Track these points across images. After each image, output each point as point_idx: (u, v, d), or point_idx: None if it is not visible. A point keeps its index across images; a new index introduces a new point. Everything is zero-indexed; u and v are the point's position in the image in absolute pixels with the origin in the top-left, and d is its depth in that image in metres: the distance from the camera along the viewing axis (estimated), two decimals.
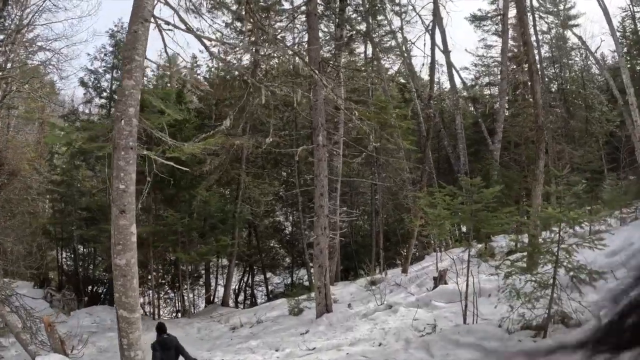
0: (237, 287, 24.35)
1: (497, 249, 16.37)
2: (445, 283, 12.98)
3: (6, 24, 19.76)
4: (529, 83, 16.51)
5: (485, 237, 16.38)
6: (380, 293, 13.66)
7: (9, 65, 21.14)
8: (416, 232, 18.75)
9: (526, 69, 25.24)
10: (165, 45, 7.90)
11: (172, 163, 8.95)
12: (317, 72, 9.90)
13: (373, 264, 20.21)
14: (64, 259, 23.46)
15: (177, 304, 22.34)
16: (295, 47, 19.19)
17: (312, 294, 15.45)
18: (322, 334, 12.03)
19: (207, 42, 9.46)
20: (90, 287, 22.57)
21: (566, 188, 7.98)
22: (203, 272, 23.99)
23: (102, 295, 22.14)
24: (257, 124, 21.11)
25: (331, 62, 15.26)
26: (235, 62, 21.60)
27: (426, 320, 10.44)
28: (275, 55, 18.86)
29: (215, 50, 21.33)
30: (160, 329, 10.07)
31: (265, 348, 11.76)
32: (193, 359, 8.98)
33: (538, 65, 22.62)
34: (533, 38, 23.76)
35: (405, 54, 24.87)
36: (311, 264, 22.23)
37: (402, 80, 26.64)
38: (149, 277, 20.38)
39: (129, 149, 7.01)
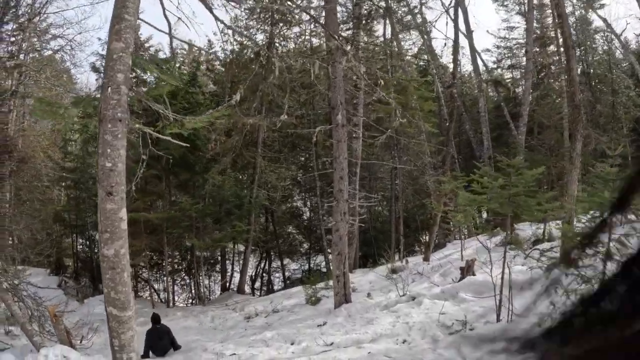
0: (253, 273, 23.43)
1: (523, 238, 15.11)
2: (473, 274, 11.84)
3: (19, 13, 19.13)
4: (564, 59, 15.11)
5: (511, 224, 15.20)
6: (402, 282, 12.55)
7: (22, 55, 21.00)
8: (438, 218, 17.62)
9: (550, 53, 24.24)
10: (163, 9, 6.81)
11: (169, 138, 7.81)
12: (336, 36, 8.73)
13: (393, 251, 19.11)
14: (80, 246, 22.73)
15: (192, 291, 21.48)
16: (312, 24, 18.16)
17: (330, 282, 14.45)
18: (340, 326, 11.01)
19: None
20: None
21: (619, 170, 6.77)
22: (219, 258, 23.07)
23: None
24: (273, 106, 20.02)
25: (350, 39, 14.05)
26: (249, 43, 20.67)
27: (454, 314, 9.36)
28: (290, 30, 17.80)
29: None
30: (155, 319, 11.82)
31: (280, 341, 10.78)
32: (178, 346, 11.47)
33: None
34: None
35: (425, 36, 23.54)
36: (329, 251, 21.26)
37: (423, 61, 25.37)
38: (164, 264, 19.59)
39: (117, 121, 6.00)
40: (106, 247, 5.95)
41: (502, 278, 8.04)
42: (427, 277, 14.32)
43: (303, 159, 24.62)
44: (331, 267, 13.52)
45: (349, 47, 13.33)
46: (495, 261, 9.60)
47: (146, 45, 21.17)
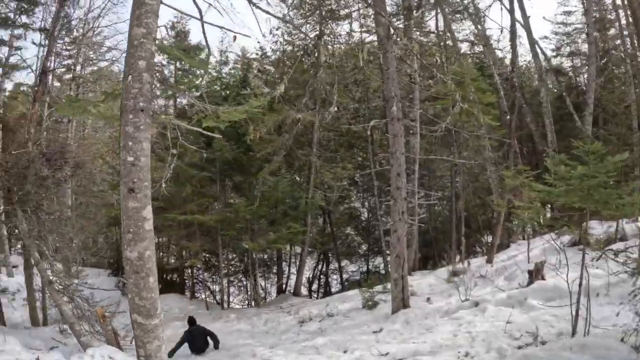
0: (310, 275, 22.73)
1: (596, 237, 13.66)
2: (543, 278, 10.65)
3: (71, 28, 19.74)
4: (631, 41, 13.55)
5: (579, 222, 13.79)
6: (464, 286, 11.49)
7: (78, 68, 22.06)
8: (502, 216, 16.37)
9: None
10: None
11: (199, 129, 7.16)
12: (384, 14, 7.85)
13: (453, 252, 17.95)
14: None
15: (248, 293, 21.02)
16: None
17: (388, 286, 13.55)
18: (397, 333, 10.12)
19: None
20: (164, 275, 21.64)
21: None
22: (276, 259, 22.55)
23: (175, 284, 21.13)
24: (326, 104, 19.26)
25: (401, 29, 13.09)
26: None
27: (522, 324, 8.29)
28: (339, 26, 17.03)
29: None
30: (191, 321, 12.20)
31: (332, 348, 9.98)
32: (217, 341, 11.97)
33: None
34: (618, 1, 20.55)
35: (479, 25, 22.13)
36: (387, 252, 20.30)
37: (478, 53, 23.99)
38: (220, 265, 19.25)
39: (139, 112, 5.43)
40: (129, 248, 5.38)
41: (580, 284, 6.90)
42: (490, 281, 13.19)
43: (360, 158, 23.67)
44: (390, 270, 12.55)
45: (399, 40, 12.35)
46: (566, 264, 8.45)
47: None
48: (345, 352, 9.57)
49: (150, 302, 5.37)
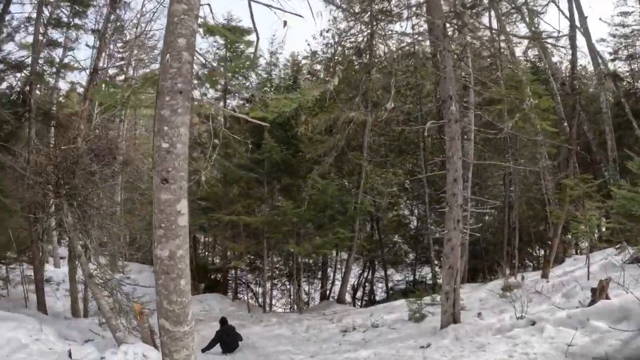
0: (355, 282, 21.97)
1: None
2: (607, 297, 9.60)
3: (123, 30, 20.01)
4: None
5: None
6: (518, 302, 10.56)
7: (131, 70, 22.48)
8: (560, 229, 15.27)
9: None
10: None
11: (246, 116, 6.63)
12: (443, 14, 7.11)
13: (505, 265, 16.88)
14: None
15: (291, 297, 20.47)
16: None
17: (437, 297, 12.75)
18: (446, 350, 9.35)
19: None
20: (209, 275, 21.43)
21: None
22: (321, 265, 21.92)
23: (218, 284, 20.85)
24: (379, 108, 18.54)
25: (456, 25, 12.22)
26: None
27: (586, 348, 7.40)
28: (392, 27, 16.28)
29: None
30: (223, 321, 12.58)
31: None
32: (241, 338, 12.38)
33: None
34: None
35: (534, 27, 20.90)
36: (436, 263, 19.40)
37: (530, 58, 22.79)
38: (264, 268, 18.75)
39: (177, 93, 4.86)
40: (159, 246, 4.83)
41: None
42: (547, 298, 12.16)
43: (410, 165, 22.75)
44: (439, 281, 11.72)
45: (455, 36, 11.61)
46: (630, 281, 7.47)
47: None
48: None
49: (180, 307, 4.82)
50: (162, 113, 4.84)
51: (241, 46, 20.39)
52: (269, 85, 20.63)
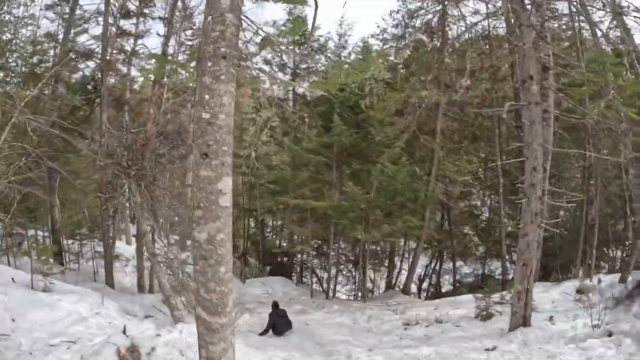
0: (422, 273, 21.12)
1: None
2: None
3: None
4: None
5: None
6: (595, 309, 9.51)
7: (180, 56, 22.00)
8: None
9: None
10: None
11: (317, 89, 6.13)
12: None
13: (579, 266, 15.56)
14: (253, 229, 22.65)
15: (355, 284, 20.00)
16: None
17: (506, 296, 11.87)
18: (512, 356, 8.63)
19: None
20: (276, 258, 21.38)
21: None
22: (388, 253, 21.25)
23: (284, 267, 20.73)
24: (451, 91, 17.50)
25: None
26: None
27: None
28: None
29: None
30: (275, 304, 12.88)
31: None
32: (291, 324, 12.42)
33: None
34: None
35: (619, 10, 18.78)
36: (507, 257, 18.27)
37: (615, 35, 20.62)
38: (331, 254, 18.43)
39: (220, 58, 4.39)
40: (198, 228, 4.44)
41: None
42: (626, 306, 10.93)
43: (483, 155, 21.42)
44: (509, 277, 10.78)
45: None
46: None
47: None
48: None
49: (218, 297, 4.45)
50: (204, 80, 4.41)
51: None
52: (336, 72, 20.07)
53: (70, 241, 16.10)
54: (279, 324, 12.18)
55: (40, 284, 8.96)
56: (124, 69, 17.77)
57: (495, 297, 12.13)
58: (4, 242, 13.41)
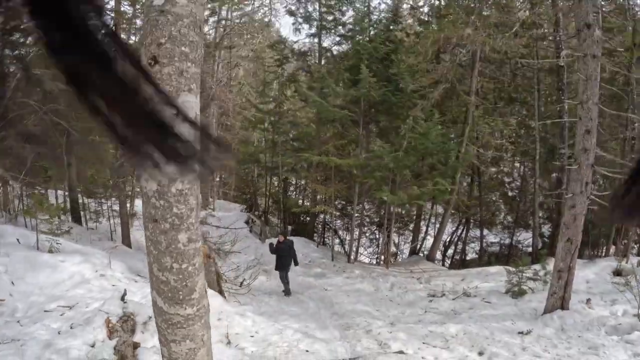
0: (447, 240, 19.95)
1: None
2: None
3: None
4: None
5: None
6: (634, 294, 8.33)
7: (223, 12, 22.38)
8: None
9: None
10: None
11: None
12: None
13: (618, 245, 14.22)
14: (276, 189, 21.68)
15: (379, 247, 18.97)
16: None
17: (540, 271, 10.71)
18: (549, 343, 7.58)
19: None
20: (299, 218, 20.44)
21: None
22: (414, 217, 20.08)
23: (306, 227, 19.79)
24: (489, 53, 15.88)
25: None
26: None
27: None
28: None
29: None
30: (283, 233, 12.69)
31: (465, 344, 7.78)
32: (297, 262, 11.89)
33: None
34: None
35: None
36: (540, 229, 16.97)
37: None
38: (354, 215, 17.22)
39: None
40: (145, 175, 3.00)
41: None
42: None
43: (519, 118, 19.72)
44: (555, 258, 9.46)
45: None
46: None
47: None
48: (481, 354, 7.27)
49: (177, 278, 3.05)
50: None
51: None
52: (367, 21, 18.45)
53: (89, 200, 15.45)
54: (282, 255, 11.56)
55: (47, 244, 8.29)
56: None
57: (528, 272, 11.00)
58: (20, 203, 12.70)
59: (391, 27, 17.80)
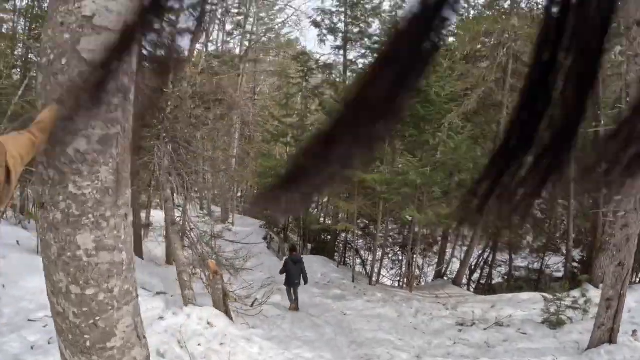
0: (473, 263, 18.55)
1: None
2: None
3: None
4: None
5: None
6: None
7: (248, 26, 22.40)
8: None
9: None
10: None
11: None
12: None
13: None
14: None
15: (402, 269, 17.73)
16: None
17: (579, 298, 9.51)
18: None
19: None
20: (320, 237, 19.37)
21: None
22: (440, 238, 18.78)
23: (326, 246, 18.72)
24: None
25: None
26: None
27: None
28: None
29: None
30: (292, 248, 12.03)
31: None
32: (306, 276, 11.12)
33: None
34: None
35: None
36: (573, 251, 15.61)
37: None
38: (378, 234, 16.05)
39: None
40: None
41: None
42: None
43: None
44: (603, 285, 8.22)
45: None
46: None
47: None
48: None
49: (79, 312, 1.90)
50: None
51: None
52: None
53: None
54: (291, 270, 10.92)
55: None
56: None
57: (567, 299, 9.74)
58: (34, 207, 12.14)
59: None
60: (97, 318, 1.84)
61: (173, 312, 7.12)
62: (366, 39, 18.47)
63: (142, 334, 2.02)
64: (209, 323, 7.19)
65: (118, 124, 1.74)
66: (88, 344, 1.83)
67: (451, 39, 14.57)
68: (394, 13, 17.92)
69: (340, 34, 18.62)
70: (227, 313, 8.02)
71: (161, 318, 6.88)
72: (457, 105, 14.19)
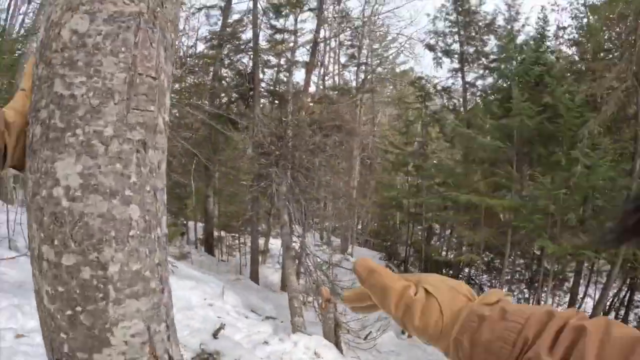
0: (607, 303, 16.03)
1: None
2: None
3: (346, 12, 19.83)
4: None
5: None
6: None
7: (362, 58, 22.39)
8: None
9: None
10: None
11: None
12: None
13: None
14: (418, 236, 19.80)
15: None
16: None
17: None
18: None
19: None
20: (441, 270, 18.36)
21: None
22: (572, 274, 16.57)
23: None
24: None
25: None
26: None
27: None
28: None
29: None
30: None
31: None
32: None
33: None
34: None
35: None
36: None
37: None
38: (505, 269, 14.74)
39: None
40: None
41: None
42: None
43: None
44: None
45: None
46: None
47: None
48: None
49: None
50: None
51: None
52: (512, 47, 16.03)
53: (225, 233, 15.44)
54: None
55: None
56: (275, 60, 16.84)
57: None
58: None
59: (540, 49, 15.39)
60: (79, 308, 0.98)
61: (280, 338, 6.94)
62: (483, 59, 17.56)
63: (168, 354, 1.10)
64: (315, 353, 6.90)
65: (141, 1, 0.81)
66: (66, 347, 1.01)
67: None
68: (509, 26, 16.83)
69: (456, 55, 17.99)
70: (337, 344, 7.70)
71: (266, 343, 6.70)
72: (593, 111, 12.38)
